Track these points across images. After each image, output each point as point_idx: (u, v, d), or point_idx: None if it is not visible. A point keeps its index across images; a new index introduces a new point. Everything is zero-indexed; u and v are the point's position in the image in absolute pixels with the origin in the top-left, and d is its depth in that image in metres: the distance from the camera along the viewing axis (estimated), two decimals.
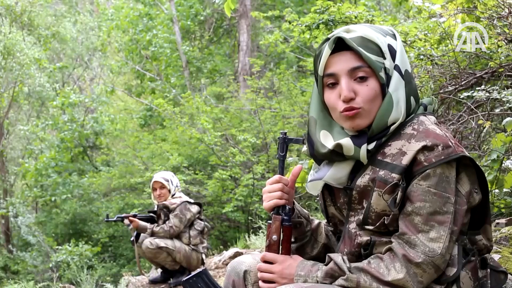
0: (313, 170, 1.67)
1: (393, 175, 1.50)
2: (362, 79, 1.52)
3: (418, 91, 1.95)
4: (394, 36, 1.58)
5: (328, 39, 1.56)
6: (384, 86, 1.53)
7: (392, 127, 1.53)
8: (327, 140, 1.58)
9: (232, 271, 1.72)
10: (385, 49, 1.53)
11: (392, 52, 1.55)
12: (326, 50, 1.54)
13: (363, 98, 1.52)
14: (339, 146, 1.54)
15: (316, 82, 1.62)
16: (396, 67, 1.54)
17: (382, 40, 1.54)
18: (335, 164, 1.59)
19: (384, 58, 1.53)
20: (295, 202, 1.72)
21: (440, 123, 1.59)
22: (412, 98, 1.57)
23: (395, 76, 1.53)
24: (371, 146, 1.53)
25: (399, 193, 1.49)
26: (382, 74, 1.53)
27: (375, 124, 1.53)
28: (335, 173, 1.59)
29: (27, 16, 13.47)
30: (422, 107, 1.60)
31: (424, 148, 1.47)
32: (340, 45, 1.53)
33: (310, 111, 1.64)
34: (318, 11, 4.87)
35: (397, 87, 1.53)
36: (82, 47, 15.17)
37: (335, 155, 1.57)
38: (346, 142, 1.53)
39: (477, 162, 1.59)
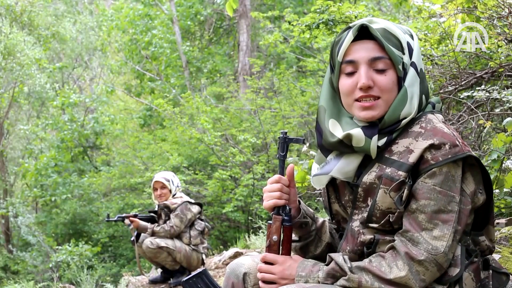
0: (317, 164, 1.66)
1: (400, 172, 1.50)
2: (381, 70, 1.53)
3: None
4: (411, 36, 1.59)
5: (349, 27, 1.57)
6: (400, 80, 1.54)
7: (404, 122, 1.53)
8: (335, 130, 1.57)
9: (231, 273, 1.71)
10: (404, 45, 1.55)
11: (410, 49, 1.56)
12: (349, 37, 1.54)
13: (381, 88, 1.53)
14: (349, 137, 1.53)
15: (331, 69, 1.62)
16: (413, 64, 1.55)
17: (402, 36, 1.56)
18: (344, 157, 1.58)
19: (403, 53, 1.55)
20: (301, 201, 1.71)
21: (447, 123, 1.59)
22: (424, 96, 1.58)
23: (411, 72, 1.55)
24: (382, 142, 1.53)
25: (406, 191, 1.49)
26: (400, 67, 1.54)
27: (388, 116, 1.53)
28: (344, 166, 1.57)
29: (27, 16, 13.47)
30: (430, 105, 1.61)
31: (431, 147, 1.47)
32: (363, 34, 1.54)
33: (320, 101, 1.64)
34: (318, 10, 4.87)
35: (412, 82, 1.54)
36: (81, 47, 15.16)
37: (344, 146, 1.56)
38: (357, 132, 1.52)
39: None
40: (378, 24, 1.55)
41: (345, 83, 1.57)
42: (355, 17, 4.63)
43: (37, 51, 12.87)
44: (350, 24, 1.58)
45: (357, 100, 1.55)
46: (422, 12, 4.32)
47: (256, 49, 13.49)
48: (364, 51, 1.54)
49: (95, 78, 16.07)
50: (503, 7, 3.46)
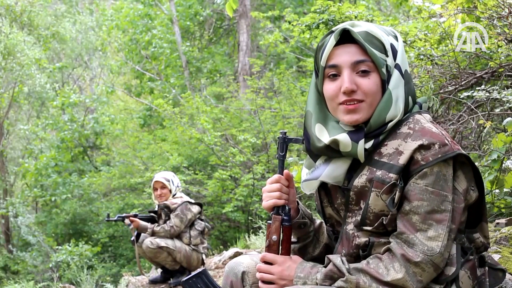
0: (306, 168, 1.66)
1: (391, 175, 1.49)
2: (364, 73, 1.52)
3: (418, 91, 1.96)
4: (395, 37, 1.59)
5: (332, 31, 1.56)
6: (384, 83, 1.54)
7: (390, 124, 1.53)
8: (322, 135, 1.57)
9: (230, 272, 1.71)
10: (388, 47, 1.54)
11: (394, 51, 1.56)
12: (331, 41, 1.54)
13: (364, 91, 1.52)
14: (335, 142, 1.53)
15: (316, 74, 1.62)
16: (397, 66, 1.55)
17: (385, 38, 1.55)
18: (332, 162, 1.58)
19: (387, 56, 1.54)
20: (300, 202, 1.72)
21: (440, 123, 1.59)
22: (410, 98, 1.57)
23: (396, 74, 1.54)
24: (369, 144, 1.53)
25: (397, 193, 1.49)
26: (384, 70, 1.53)
27: (373, 119, 1.52)
28: (332, 171, 1.57)
29: (27, 16, 13.47)
30: (417, 105, 1.61)
31: (421, 147, 1.47)
32: (345, 38, 1.54)
33: (307, 106, 1.64)
34: (318, 10, 4.87)
35: (397, 85, 1.54)
36: (81, 47, 15.16)
37: (331, 151, 1.56)
38: (343, 138, 1.52)
39: (477, 162, 1.60)
40: (360, 27, 1.55)
41: (329, 87, 1.56)
42: (355, 17, 4.63)
43: (37, 51, 12.87)
44: (333, 29, 1.57)
45: (341, 104, 1.54)
46: (422, 12, 4.33)
47: (256, 49, 13.49)
48: (347, 55, 1.53)
49: (95, 78, 16.06)
50: (503, 7, 3.46)
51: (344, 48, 1.54)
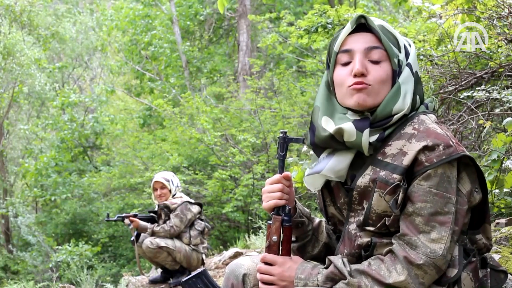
0: (310, 164, 1.66)
1: (394, 175, 1.49)
2: (376, 62, 1.54)
3: None
4: (409, 44, 1.62)
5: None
6: (395, 74, 1.55)
7: (395, 117, 1.53)
8: (328, 125, 1.57)
9: (231, 274, 1.71)
10: (401, 45, 1.57)
11: (407, 52, 1.58)
12: (347, 28, 1.56)
13: (374, 77, 1.53)
14: (340, 131, 1.53)
15: (327, 65, 1.63)
16: (409, 65, 1.57)
17: (400, 37, 1.58)
18: (336, 155, 1.58)
19: (400, 51, 1.56)
20: (297, 201, 1.71)
21: (440, 123, 1.59)
22: (418, 97, 1.58)
23: (406, 71, 1.56)
24: (373, 138, 1.52)
25: (401, 194, 1.49)
26: (396, 61, 1.55)
27: (380, 109, 1.53)
28: (335, 165, 1.57)
29: (27, 16, 13.46)
30: (424, 106, 1.61)
31: (425, 148, 1.47)
32: (360, 28, 1.57)
33: (315, 102, 1.65)
34: (315, 14, 4.86)
35: (407, 80, 1.55)
36: (81, 47, 15.16)
37: (335, 142, 1.56)
38: (348, 126, 1.52)
39: (477, 162, 1.59)
40: (377, 20, 1.58)
41: (340, 73, 1.58)
42: None
43: (36, 51, 12.86)
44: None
45: (350, 87, 1.55)
46: (422, 12, 4.33)
47: (256, 49, 13.48)
48: (360, 41, 1.56)
49: (95, 78, 16.06)
50: (503, 7, 3.46)
51: (358, 35, 1.56)
